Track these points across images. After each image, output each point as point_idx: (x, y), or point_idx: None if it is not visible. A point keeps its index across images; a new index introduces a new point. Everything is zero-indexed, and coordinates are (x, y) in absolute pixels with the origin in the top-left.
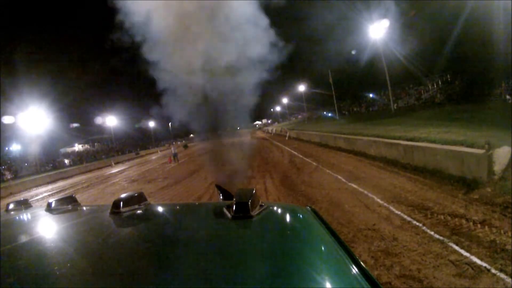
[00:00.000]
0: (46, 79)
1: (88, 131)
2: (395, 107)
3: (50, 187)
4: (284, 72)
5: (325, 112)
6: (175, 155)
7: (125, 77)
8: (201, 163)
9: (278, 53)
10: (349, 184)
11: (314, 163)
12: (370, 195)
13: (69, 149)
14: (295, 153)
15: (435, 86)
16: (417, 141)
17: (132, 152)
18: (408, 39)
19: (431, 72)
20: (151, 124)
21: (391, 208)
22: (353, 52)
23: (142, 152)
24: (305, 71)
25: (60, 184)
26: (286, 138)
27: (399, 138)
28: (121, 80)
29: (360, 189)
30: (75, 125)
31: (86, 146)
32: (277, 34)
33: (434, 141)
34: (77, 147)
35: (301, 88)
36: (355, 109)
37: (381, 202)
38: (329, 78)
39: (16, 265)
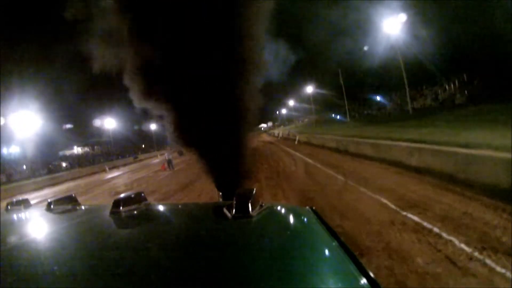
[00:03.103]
0: (40, 78)
1: (86, 133)
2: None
3: (33, 195)
4: (291, 74)
5: (333, 115)
6: (169, 162)
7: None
8: (199, 171)
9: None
10: (405, 214)
11: (340, 177)
12: (445, 236)
13: (68, 152)
14: (311, 161)
15: (452, 87)
16: (475, 148)
17: (131, 156)
18: (423, 37)
19: (447, 71)
20: (153, 126)
21: (494, 265)
22: (365, 48)
23: (143, 156)
24: (312, 73)
25: (45, 192)
26: (296, 143)
27: (448, 143)
28: (122, 79)
29: (428, 225)
30: (68, 126)
31: (86, 149)
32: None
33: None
34: (76, 149)
35: (309, 89)
36: (365, 111)
37: (469, 250)
38: (336, 79)
39: (16, 265)
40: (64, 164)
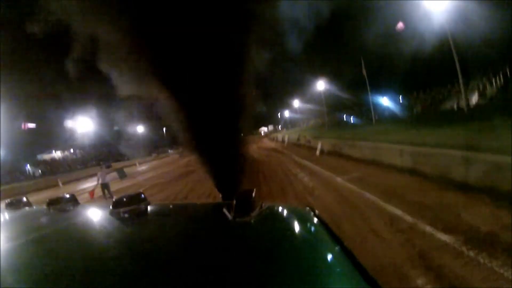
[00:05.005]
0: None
1: (60, 135)
2: (456, 107)
3: None
4: (296, 70)
5: (345, 116)
6: (105, 187)
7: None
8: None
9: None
10: None
11: None
12: None
13: (46, 156)
14: (398, 213)
15: (494, 83)
16: None
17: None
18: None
19: (482, 64)
20: (140, 128)
21: None
22: (399, 26)
23: (122, 164)
24: (318, 70)
25: None
26: (317, 153)
27: None
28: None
29: None
30: (30, 125)
31: (66, 152)
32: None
33: None
34: (55, 153)
35: (320, 86)
36: (385, 111)
37: None
38: (352, 74)
39: (16, 264)
40: (40, 171)
